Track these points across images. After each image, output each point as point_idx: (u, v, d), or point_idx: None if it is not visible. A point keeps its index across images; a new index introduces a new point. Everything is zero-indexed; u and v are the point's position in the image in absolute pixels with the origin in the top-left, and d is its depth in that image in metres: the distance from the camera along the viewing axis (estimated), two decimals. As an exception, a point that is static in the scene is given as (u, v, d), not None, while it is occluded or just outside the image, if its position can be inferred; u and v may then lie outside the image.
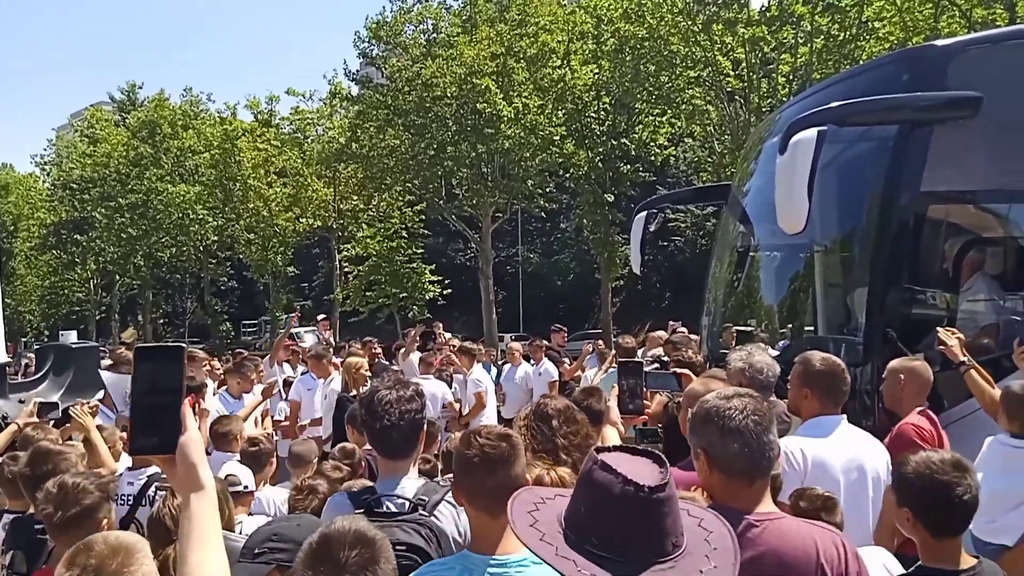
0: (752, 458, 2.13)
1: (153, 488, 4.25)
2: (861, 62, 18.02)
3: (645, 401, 3.50)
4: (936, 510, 2.43)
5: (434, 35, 28.91)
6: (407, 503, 2.65)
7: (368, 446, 3.87)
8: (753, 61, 23.13)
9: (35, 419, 4.72)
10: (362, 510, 2.59)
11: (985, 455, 3.84)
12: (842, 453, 3.28)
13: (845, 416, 3.46)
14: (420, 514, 2.62)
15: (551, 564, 1.47)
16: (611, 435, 3.30)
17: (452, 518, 2.69)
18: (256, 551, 2.31)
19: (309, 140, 37.18)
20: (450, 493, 2.81)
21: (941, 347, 4.41)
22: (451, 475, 3.30)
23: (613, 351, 10.25)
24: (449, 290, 34.96)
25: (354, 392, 6.57)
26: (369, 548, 1.68)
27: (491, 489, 2.13)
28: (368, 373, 7.30)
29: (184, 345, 1.55)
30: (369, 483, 3.24)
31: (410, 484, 2.75)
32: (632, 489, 1.44)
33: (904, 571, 2.55)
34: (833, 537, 2.15)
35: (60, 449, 3.60)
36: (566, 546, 1.48)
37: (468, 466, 2.19)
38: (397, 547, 2.46)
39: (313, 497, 3.54)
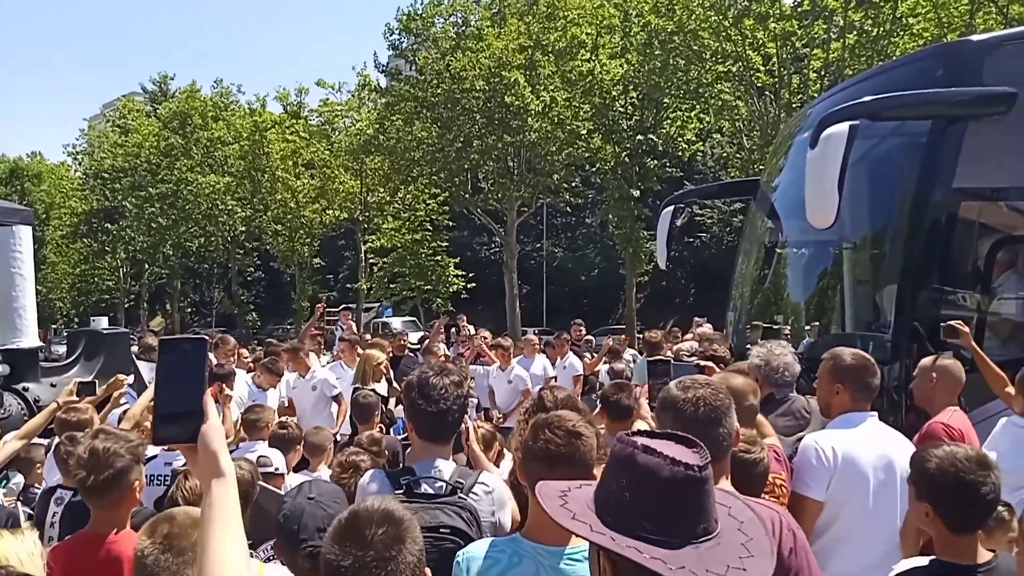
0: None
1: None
2: (895, 58, 17.76)
3: None
4: (958, 507, 2.41)
5: (464, 28, 28.92)
6: (445, 485, 2.69)
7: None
8: (784, 56, 22.87)
9: (74, 398, 4.82)
10: (401, 490, 2.63)
11: (996, 435, 3.82)
12: (872, 449, 3.26)
13: (875, 413, 3.44)
14: (459, 496, 2.66)
15: (589, 538, 1.47)
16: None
17: (487, 501, 2.74)
18: (306, 546, 2.36)
19: (337, 132, 37.37)
20: (483, 475, 2.85)
21: (952, 339, 4.38)
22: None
23: (609, 341, 10.22)
24: (473, 283, 35.04)
25: (372, 385, 6.62)
26: (396, 527, 1.69)
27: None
28: (384, 369, 7.38)
29: (207, 337, 1.60)
30: None
31: (446, 467, 2.79)
32: (682, 470, 1.43)
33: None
34: (772, 514, 2.25)
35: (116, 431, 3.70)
36: (604, 528, 1.47)
37: (532, 456, 2.23)
38: (441, 529, 2.50)
39: (356, 474, 3.59)
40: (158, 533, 2.03)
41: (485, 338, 10.15)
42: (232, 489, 1.49)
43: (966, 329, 4.40)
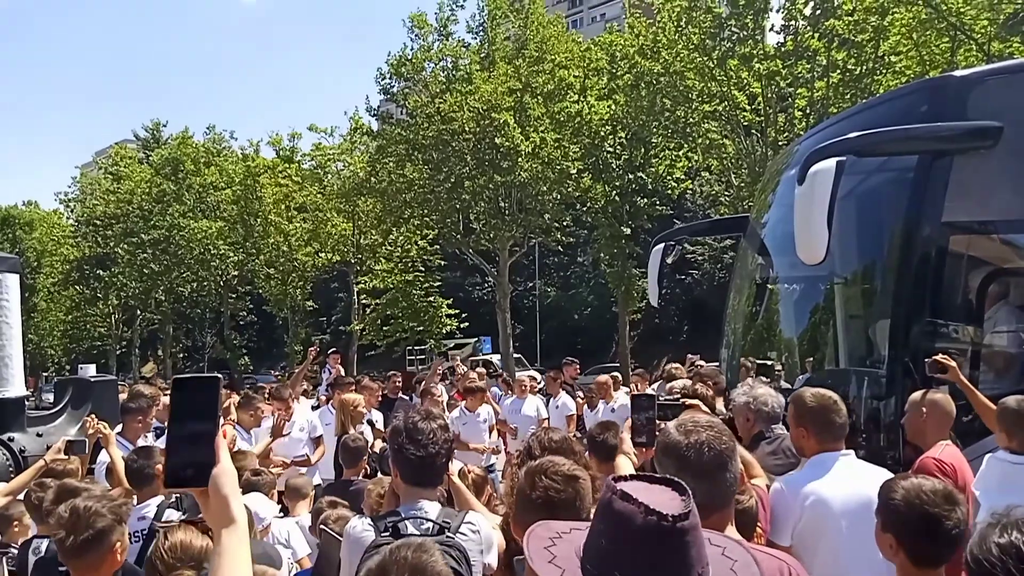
0: (708, 493, 2.11)
1: (166, 513, 4.28)
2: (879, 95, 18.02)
3: (657, 433, 3.49)
4: (921, 541, 2.39)
5: (454, 72, 29.30)
6: (433, 525, 2.65)
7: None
8: (769, 95, 23.19)
9: (62, 456, 4.73)
10: (388, 532, 2.58)
11: (984, 472, 3.76)
12: (843, 490, 3.18)
13: (852, 452, 3.38)
14: (447, 536, 2.61)
15: None
16: (624, 465, 3.27)
17: (474, 540, 2.69)
18: None
19: (329, 176, 37.60)
20: (470, 514, 2.80)
21: (939, 374, 4.35)
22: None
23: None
24: (466, 323, 34.97)
25: (352, 430, 6.52)
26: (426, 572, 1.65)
27: None
28: (364, 411, 7.31)
29: (220, 376, 1.53)
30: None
31: (432, 508, 2.77)
32: (655, 519, 1.38)
33: None
34: (779, 564, 2.17)
35: (86, 486, 3.60)
36: (577, 571, 1.44)
37: (531, 506, 2.16)
38: None
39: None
40: None
41: (465, 376, 10.10)
42: (243, 536, 1.43)
43: (953, 364, 4.36)
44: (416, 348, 35.37)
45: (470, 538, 2.69)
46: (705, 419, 2.46)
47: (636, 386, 10.08)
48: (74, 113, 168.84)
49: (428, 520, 2.69)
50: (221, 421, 1.49)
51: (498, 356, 31.53)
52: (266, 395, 8.09)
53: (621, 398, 9.35)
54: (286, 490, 5.09)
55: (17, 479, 4.50)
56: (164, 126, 48.38)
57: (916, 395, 4.09)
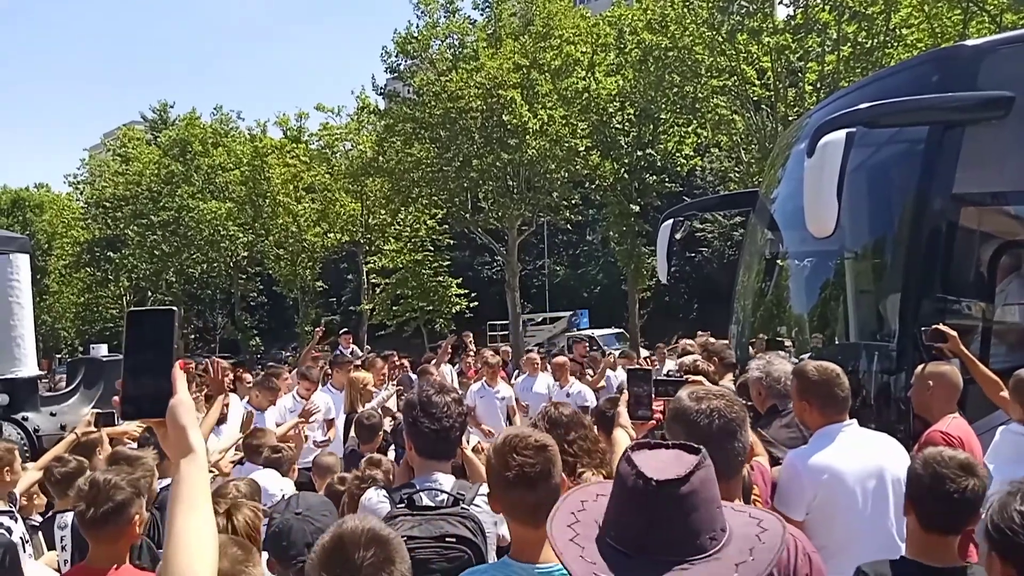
0: (716, 462, 2.12)
1: None
2: (890, 68, 17.82)
3: (655, 407, 3.50)
4: (928, 501, 2.42)
5: (460, 49, 29.12)
6: (447, 497, 2.68)
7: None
8: (779, 70, 22.96)
9: (92, 428, 4.78)
10: (403, 504, 2.60)
11: (997, 445, 3.74)
12: (854, 460, 3.19)
13: (854, 421, 3.38)
14: (461, 507, 2.63)
15: (570, 568, 1.44)
16: (621, 438, 3.28)
17: (488, 512, 2.70)
18: (296, 561, 2.27)
19: (337, 155, 37.55)
20: (483, 486, 2.82)
21: (939, 343, 4.33)
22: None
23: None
24: (476, 303, 35.01)
25: (360, 408, 6.59)
26: (385, 548, 1.65)
27: (532, 504, 2.11)
28: (374, 389, 7.34)
29: (176, 309, 1.54)
30: None
31: (446, 480, 2.80)
32: (642, 483, 1.40)
33: None
34: (788, 537, 2.14)
35: (138, 455, 3.65)
36: (593, 546, 1.46)
37: (506, 484, 2.16)
38: (447, 539, 2.48)
39: (373, 484, 3.55)
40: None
41: (475, 352, 10.07)
42: (202, 467, 1.44)
43: (954, 333, 4.34)
44: (427, 328, 35.44)
45: (484, 510, 2.71)
46: (717, 388, 2.46)
47: (646, 362, 10.07)
48: (82, 95, 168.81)
49: (443, 492, 2.72)
50: (177, 353, 1.50)
51: (600, 332, 29.94)
52: (292, 372, 8.11)
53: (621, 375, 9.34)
54: (314, 467, 5.16)
55: (49, 453, 4.54)
56: (171, 107, 48.27)
57: (923, 368, 4.07)
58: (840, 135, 4.46)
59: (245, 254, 40.56)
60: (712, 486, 1.47)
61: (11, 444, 4.20)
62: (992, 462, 3.58)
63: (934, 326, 4.40)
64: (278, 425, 6.71)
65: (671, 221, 7.67)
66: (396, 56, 29.90)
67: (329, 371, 8.87)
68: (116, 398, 4.31)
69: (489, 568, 2.20)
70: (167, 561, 1.35)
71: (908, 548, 2.50)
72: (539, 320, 34.06)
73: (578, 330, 31.66)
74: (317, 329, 10.28)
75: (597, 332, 29.84)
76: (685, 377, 4.27)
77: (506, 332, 33.29)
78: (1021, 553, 1.98)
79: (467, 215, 30.29)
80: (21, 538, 3.61)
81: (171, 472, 1.44)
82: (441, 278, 34.79)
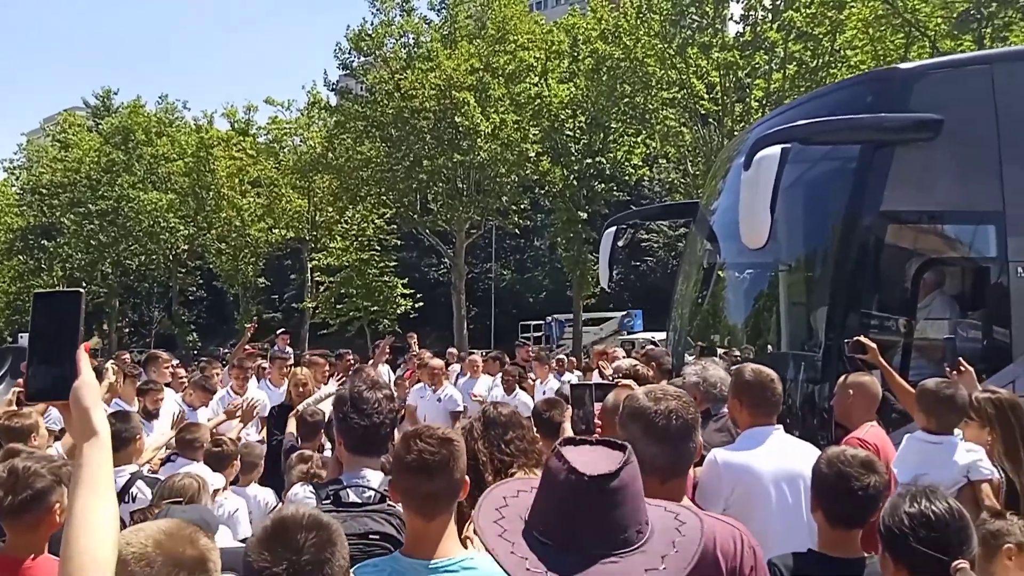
0: (671, 459, 2.23)
1: (136, 485, 4.26)
2: (832, 88, 18.32)
3: (597, 422, 3.54)
4: (831, 498, 2.55)
5: (415, 48, 29.02)
6: (374, 493, 2.67)
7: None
8: (727, 85, 23.46)
9: (13, 408, 4.63)
10: (328, 500, 2.57)
11: (902, 452, 3.88)
12: (772, 462, 3.28)
13: (780, 427, 3.48)
14: (388, 504, 2.62)
15: (488, 547, 1.46)
16: None
17: None
18: None
19: (285, 150, 37.04)
20: None
21: (859, 355, 4.50)
22: None
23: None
24: (421, 304, 34.86)
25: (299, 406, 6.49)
26: (326, 531, 1.66)
27: (427, 493, 2.12)
28: (312, 387, 7.25)
29: (82, 291, 1.53)
30: None
31: (374, 476, 2.78)
32: (573, 477, 1.41)
33: None
34: (732, 531, 2.24)
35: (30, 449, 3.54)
36: (522, 541, 1.46)
37: (406, 469, 2.16)
38: (371, 536, 2.47)
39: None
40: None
41: (418, 356, 10.02)
42: (104, 449, 1.43)
43: (873, 345, 4.52)
44: (371, 328, 35.08)
45: None
46: (673, 389, 2.50)
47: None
48: (22, 79, 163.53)
49: (370, 488, 2.71)
50: (81, 336, 1.49)
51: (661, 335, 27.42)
52: (226, 363, 7.97)
53: (552, 382, 9.40)
54: (241, 463, 5.07)
55: None
56: (115, 94, 46.99)
57: (844, 378, 4.21)
58: (776, 150, 4.59)
59: (186, 247, 39.72)
60: (638, 481, 1.50)
61: None
62: (897, 467, 3.72)
63: (855, 338, 4.56)
64: (209, 420, 6.58)
65: (614, 228, 7.77)
66: (350, 52, 29.68)
67: (267, 367, 8.74)
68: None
69: (379, 562, 2.20)
70: (67, 543, 1.33)
71: (818, 542, 2.61)
72: (585, 320, 32.22)
73: (630, 333, 30.00)
74: (248, 325, 10.12)
75: (658, 335, 28.66)
76: (617, 381, 4.33)
77: (539, 333, 32.54)
78: (910, 552, 2.10)
79: (416, 216, 30.16)
80: None
81: (76, 454, 1.42)
82: (387, 278, 34.58)
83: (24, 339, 10.53)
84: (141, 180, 38.01)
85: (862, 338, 4.54)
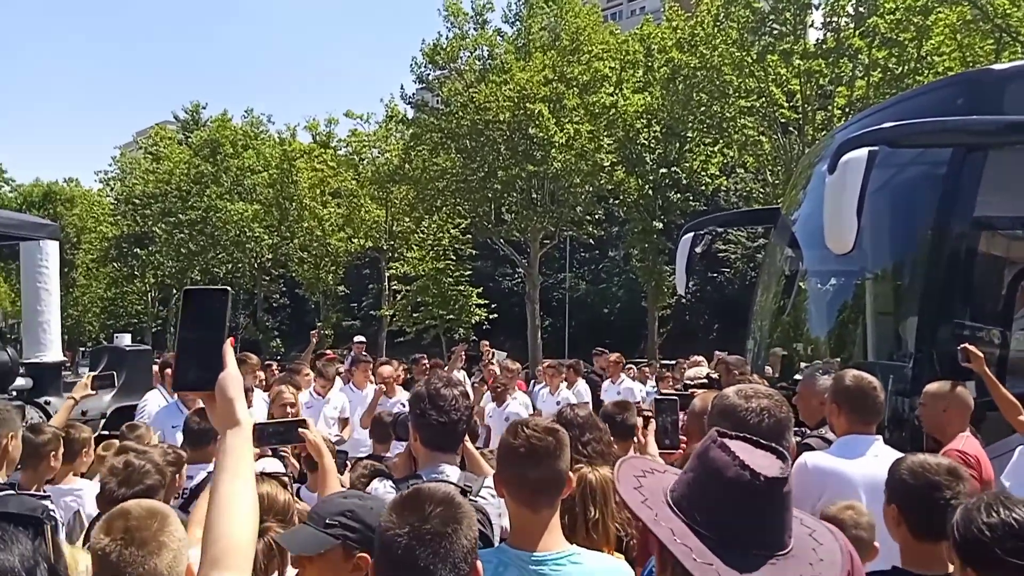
0: None
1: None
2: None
3: (682, 436, 3.51)
4: (920, 509, 2.39)
5: (489, 61, 29.33)
6: (454, 488, 2.69)
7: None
8: (808, 93, 22.93)
9: (90, 391, 4.89)
10: None
11: (1016, 463, 3.71)
12: (866, 471, 3.18)
13: (879, 437, 3.38)
14: (469, 499, 2.65)
15: (650, 528, 1.44)
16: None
17: (494, 504, 2.75)
18: (327, 521, 2.24)
19: (364, 162, 37.88)
20: (488, 479, 2.85)
21: (966, 364, 4.31)
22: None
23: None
24: (495, 314, 35.04)
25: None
26: (454, 508, 1.70)
27: (534, 482, 2.13)
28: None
29: (229, 289, 1.61)
30: None
31: (452, 472, 2.82)
32: (747, 475, 1.38)
33: None
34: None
35: (144, 448, 3.74)
36: (669, 514, 1.44)
37: (513, 456, 2.18)
38: None
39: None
40: (116, 529, 1.98)
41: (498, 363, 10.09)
42: (246, 438, 1.52)
43: (980, 354, 4.33)
44: (446, 337, 35.44)
45: (490, 501, 2.75)
46: (763, 388, 2.45)
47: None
48: (116, 94, 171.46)
49: (449, 483, 2.73)
50: (227, 330, 1.57)
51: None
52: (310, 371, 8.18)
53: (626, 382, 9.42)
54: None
55: (54, 419, 4.65)
56: (204, 108, 49.00)
57: (935, 388, 4.06)
58: (862, 153, 4.47)
59: (269, 256, 40.97)
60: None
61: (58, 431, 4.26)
62: (1009, 480, 3.57)
63: (964, 345, 4.38)
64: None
65: (691, 235, 7.67)
66: (425, 66, 30.18)
67: (350, 370, 8.94)
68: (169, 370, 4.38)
69: (485, 552, 2.22)
70: (209, 527, 1.42)
71: (902, 559, 2.46)
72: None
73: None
74: (312, 332, 10.38)
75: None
76: (691, 391, 4.29)
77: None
78: (998, 564, 1.96)
79: (490, 226, 30.38)
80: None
81: (218, 442, 1.52)
82: (462, 287, 34.88)
83: (119, 340, 11.07)
84: (228, 191, 39.47)
85: (970, 346, 4.35)
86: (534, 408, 9.27)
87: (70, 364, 33.26)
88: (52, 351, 8.19)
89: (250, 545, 1.42)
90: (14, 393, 7.46)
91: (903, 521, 2.45)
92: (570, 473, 2.23)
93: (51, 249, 8.11)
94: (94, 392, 4.91)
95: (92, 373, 5.40)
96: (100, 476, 2.99)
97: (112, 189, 50.16)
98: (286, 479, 4.22)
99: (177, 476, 3.52)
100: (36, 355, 8.14)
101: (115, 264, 46.68)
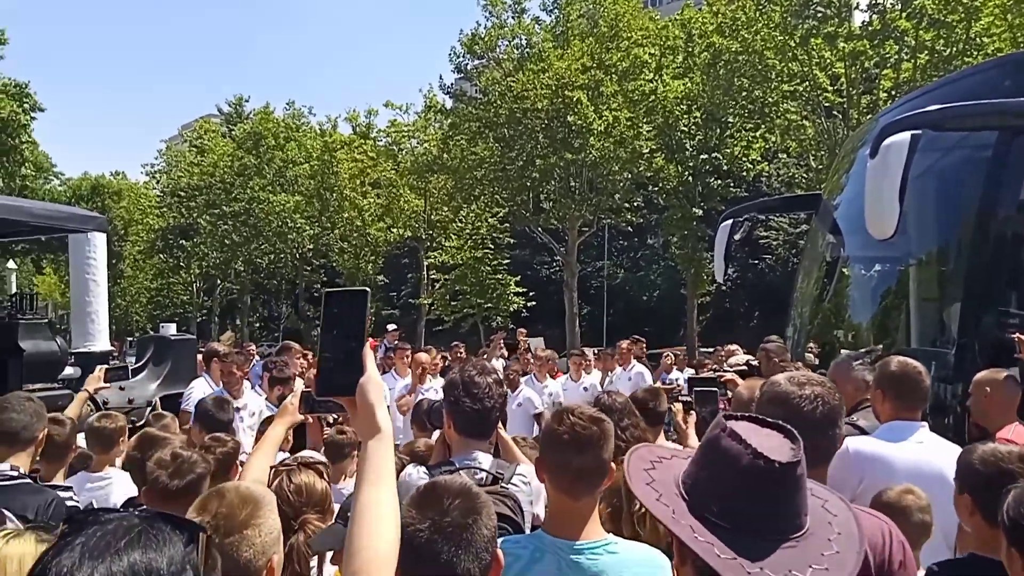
0: (812, 446, 2.10)
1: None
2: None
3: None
4: (993, 497, 2.32)
5: (527, 49, 29.24)
6: (487, 475, 2.72)
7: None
8: (853, 76, 22.45)
9: (103, 384, 4.99)
10: None
11: None
12: (910, 457, 3.14)
13: (925, 424, 3.33)
14: (501, 486, 2.68)
15: (668, 527, 1.43)
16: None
17: (525, 491, 2.77)
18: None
19: (403, 152, 38.08)
20: (520, 466, 2.87)
21: (1020, 356, 4.21)
22: None
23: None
24: (533, 302, 35.06)
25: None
26: (472, 500, 1.72)
27: (576, 469, 2.13)
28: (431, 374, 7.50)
29: (368, 290, 1.57)
30: None
31: (485, 459, 2.84)
32: (761, 463, 1.37)
33: None
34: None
35: (165, 436, 3.81)
36: (685, 510, 1.44)
37: (557, 443, 2.18)
38: None
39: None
40: (208, 510, 1.96)
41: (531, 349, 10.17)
42: (388, 445, 1.50)
43: None
44: (484, 325, 35.56)
45: (521, 489, 2.76)
46: (816, 375, 2.42)
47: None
48: (161, 88, 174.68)
49: (482, 470, 2.75)
50: (368, 333, 1.54)
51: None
52: None
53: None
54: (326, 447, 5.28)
55: (68, 410, 4.70)
56: (247, 101, 49.64)
57: (980, 376, 3.99)
58: (905, 136, 4.38)
59: (311, 246, 41.47)
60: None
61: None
62: None
63: (1019, 335, 4.28)
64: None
65: (731, 221, 7.57)
66: (463, 56, 30.20)
67: (389, 358, 9.05)
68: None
69: (521, 538, 2.24)
70: (351, 538, 1.41)
71: (979, 547, 2.42)
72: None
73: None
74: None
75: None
76: (724, 377, 4.27)
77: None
78: None
79: (528, 214, 30.36)
80: None
81: (361, 449, 1.50)
82: (500, 276, 34.93)
83: (165, 329, 11.33)
84: (271, 183, 40.01)
85: (1020, 335, 4.25)
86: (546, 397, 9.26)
87: (117, 353, 34.00)
88: (100, 341, 8.40)
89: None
90: (63, 382, 7.65)
91: (977, 509, 2.42)
92: (612, 464, 2.22)
93: (99, 241, 8.29)
94: (107, 384, 5.00)
95: (104, 366, 5.44)
96: (148, 469, 3.04)
97: (158, 182, 51.09)
98: (321, 467, 4.29)
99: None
100: (84, 345, 8.35)
101: (161, 255, 47.62)
